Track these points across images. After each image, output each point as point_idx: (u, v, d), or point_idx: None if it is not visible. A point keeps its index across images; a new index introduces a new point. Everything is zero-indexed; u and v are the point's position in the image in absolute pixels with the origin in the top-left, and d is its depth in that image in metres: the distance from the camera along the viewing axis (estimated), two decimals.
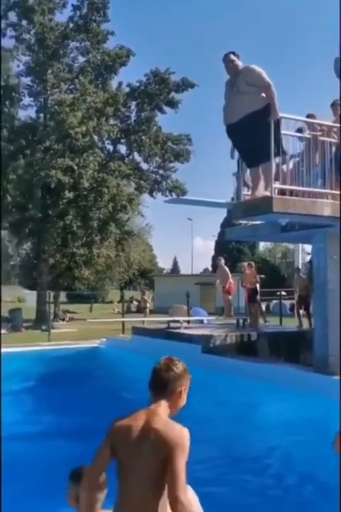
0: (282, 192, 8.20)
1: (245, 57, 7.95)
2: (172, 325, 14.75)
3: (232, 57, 7.81)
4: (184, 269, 79.86)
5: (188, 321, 16.47)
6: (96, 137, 28.04)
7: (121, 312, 25.97)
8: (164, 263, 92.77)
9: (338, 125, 8.68)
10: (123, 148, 29.82)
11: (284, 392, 8.71)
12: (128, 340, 15.76)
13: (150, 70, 28.18)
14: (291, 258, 41.74)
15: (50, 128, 26.39)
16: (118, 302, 51.18)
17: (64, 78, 28.14)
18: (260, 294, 16.23)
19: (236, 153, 8.60)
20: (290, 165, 8.63)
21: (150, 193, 29.61)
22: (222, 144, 8.69)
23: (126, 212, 28.96)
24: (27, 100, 28.74)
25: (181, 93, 28.27)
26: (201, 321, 18.52)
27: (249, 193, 8.56)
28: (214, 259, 37.73)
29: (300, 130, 8.70)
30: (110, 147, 29.83)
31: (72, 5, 27.90)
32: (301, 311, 15.17)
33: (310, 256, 24.14)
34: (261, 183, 8.07)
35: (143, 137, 28.33)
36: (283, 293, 27.27)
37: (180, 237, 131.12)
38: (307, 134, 8.58)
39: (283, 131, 7.91)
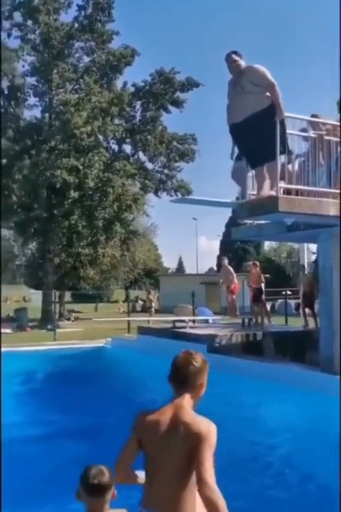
0: (287, 191, 8.19)
1: (245, 57, 7.94)
2: (177, 324, 14.77)
3: (234, 57, 7.79)
4: (189, 269, 80.00)
5: (193, 321, 16.49)
6: (101, 137, 28.05)
7: (126, 312, 26.01)
8: (169, 263, 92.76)
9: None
10: (128, 148, 29.88)
11: (290, 392, 8.70)
12: (134, 339, 15.78)
13: (155, 70, 28.16)
14: (296, 257, 41.70)
15: (55, 128, 26.44)
16: (123, 302, 51.25)
17: (69, 78, 28.19)
18: (265, 293, 16.18)
19: (236, 154, 8.59)
20: (296, 165, 8.61)
21: (156, 193, 29.61)
22: (226, 143, 8.67)
23: (131, 211, 28.96)
24: (32, 100, 28.88)
25: (186, 92, 28.28)
26: (206, 321, 18.55)
27: (254, 192, 8.55)
28: (219, 258, 37.61)
29: (304, 131, 8.69)
30: (115, 147, 29.88)
31: (77, 5, 27.99)
32: (307, 310, 15.13)
33: (315, 255, 24.13)
34: (267, 183, 8.05)
35: (148, 137, 28.32)
36: (289, 292, 27.21)
37: (185, 236, 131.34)
38: (312, 134, 8.57)
39: (288, 131, 7.91)
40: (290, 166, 8.32)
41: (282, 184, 8.10)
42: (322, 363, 9.65)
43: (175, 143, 28.72)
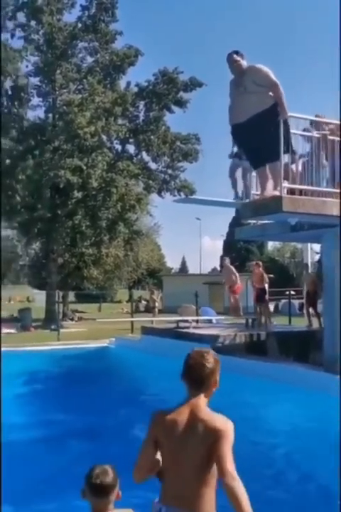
0: (291, 191, 8.18)
1: (247, 57, 7.91)
2: (181, 325, 14.76)
3: (236, 57, 7.74)
4: (192, 269, 79.90)
5: (197, 321, 16.46)
6: (104, 137, 28.08)
7: (129, 312, 26.02)
8: (172, 263, 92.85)
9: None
10: (131, 148, 29.89)
11: (294, 392, 8.69)
12: (138, 339, 15.78)
13: (158, 70, 28.16)
14: (300, 257, 41.61)
15: (59, 128, 26.48)
16: (126, 302, 51.24)
17: (72, 78, 28.22)
18: (269, 293, 16.15)
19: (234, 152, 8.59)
20: (300, 165, 8.60)
21: (159, 193, 29.60)
22: (230, 142, 8.66)
23: (134, 211, 28.97)
24: (36, 100, 28.95)
25: (189, 92, 28.27)
26: (210, 321, 18.54)
27: (258, 192, 8.55)
28: (222, 258, 37.55)
29: (306, 131, 8.68)
30: (118, 147, 29.90)
31: (81, 5, 28.02)
32: (310, 310, 15.10)
33: (319, 255, 24.07)
34: (270, 183, 8.04)
35: (152, 137, 28.32)
36: (292, 292, 27.15)
37: (188, 236, 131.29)
38: (316, 134, 8.55)
39: (291, 131, 7.89)
40: (293, 166, 8.31)
41: (286, 184, 8.09)
42: (326, 363, 9.64)
43: (178, 143, 28.70)
